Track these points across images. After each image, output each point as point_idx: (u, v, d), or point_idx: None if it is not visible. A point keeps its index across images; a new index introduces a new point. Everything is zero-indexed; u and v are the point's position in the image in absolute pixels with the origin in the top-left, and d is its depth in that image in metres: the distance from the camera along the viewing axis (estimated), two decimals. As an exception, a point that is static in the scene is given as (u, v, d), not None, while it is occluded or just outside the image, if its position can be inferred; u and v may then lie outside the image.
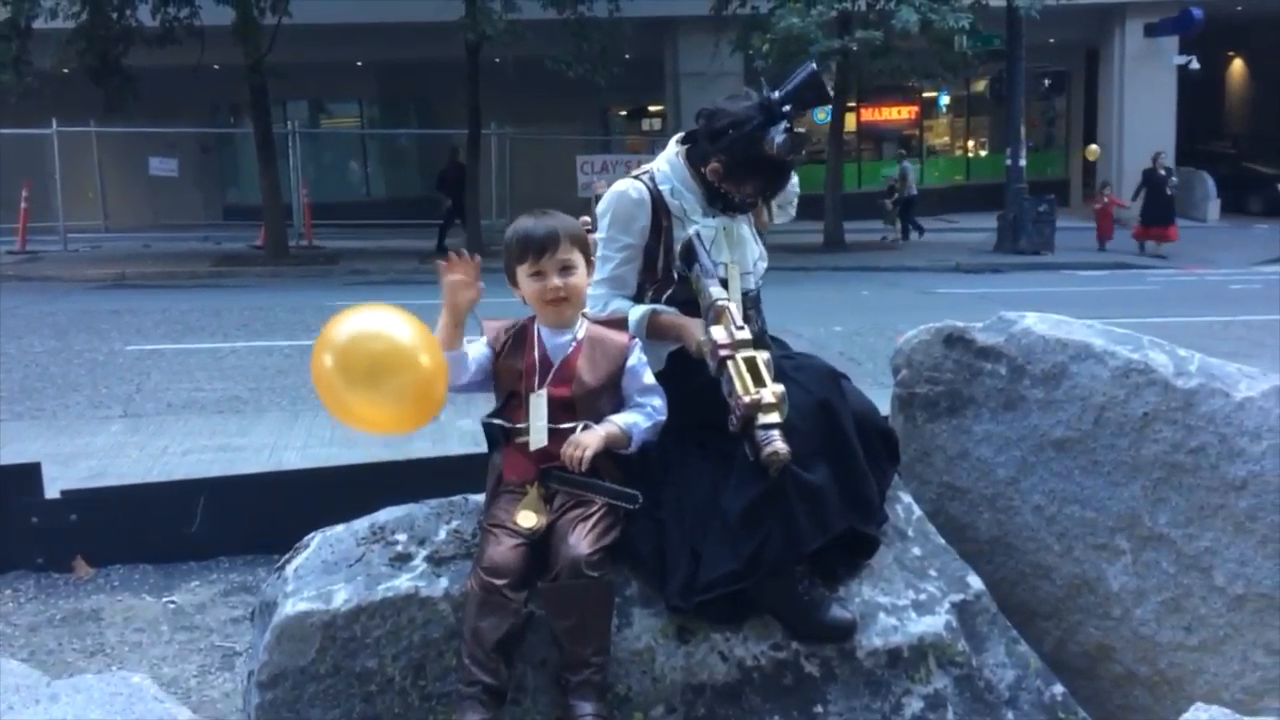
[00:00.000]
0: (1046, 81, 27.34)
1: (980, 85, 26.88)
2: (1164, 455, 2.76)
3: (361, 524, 2.64)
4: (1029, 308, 3.26)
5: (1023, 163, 19.44)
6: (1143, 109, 23.53)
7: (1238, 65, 29.57)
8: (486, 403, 2.63)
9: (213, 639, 3.90)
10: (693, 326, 2.64)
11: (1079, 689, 2.79)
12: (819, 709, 2.49)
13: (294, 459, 6.01)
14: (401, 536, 2.59)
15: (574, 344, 2.56)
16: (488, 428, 2.60)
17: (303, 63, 18.82)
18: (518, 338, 2.58)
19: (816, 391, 2.57)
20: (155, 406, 7.33)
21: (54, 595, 4.23)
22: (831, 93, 2.68)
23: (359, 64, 23.65)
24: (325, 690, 2.40)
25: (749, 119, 2.66)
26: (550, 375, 2.52)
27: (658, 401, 2.60)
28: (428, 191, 20.88)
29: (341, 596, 2.44)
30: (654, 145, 17.33)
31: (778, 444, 2.33)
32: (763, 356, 2.43)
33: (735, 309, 2.53)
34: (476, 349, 2.58)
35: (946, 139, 28.24)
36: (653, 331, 2.73)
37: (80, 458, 6.04)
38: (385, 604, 2.43)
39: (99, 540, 4.43)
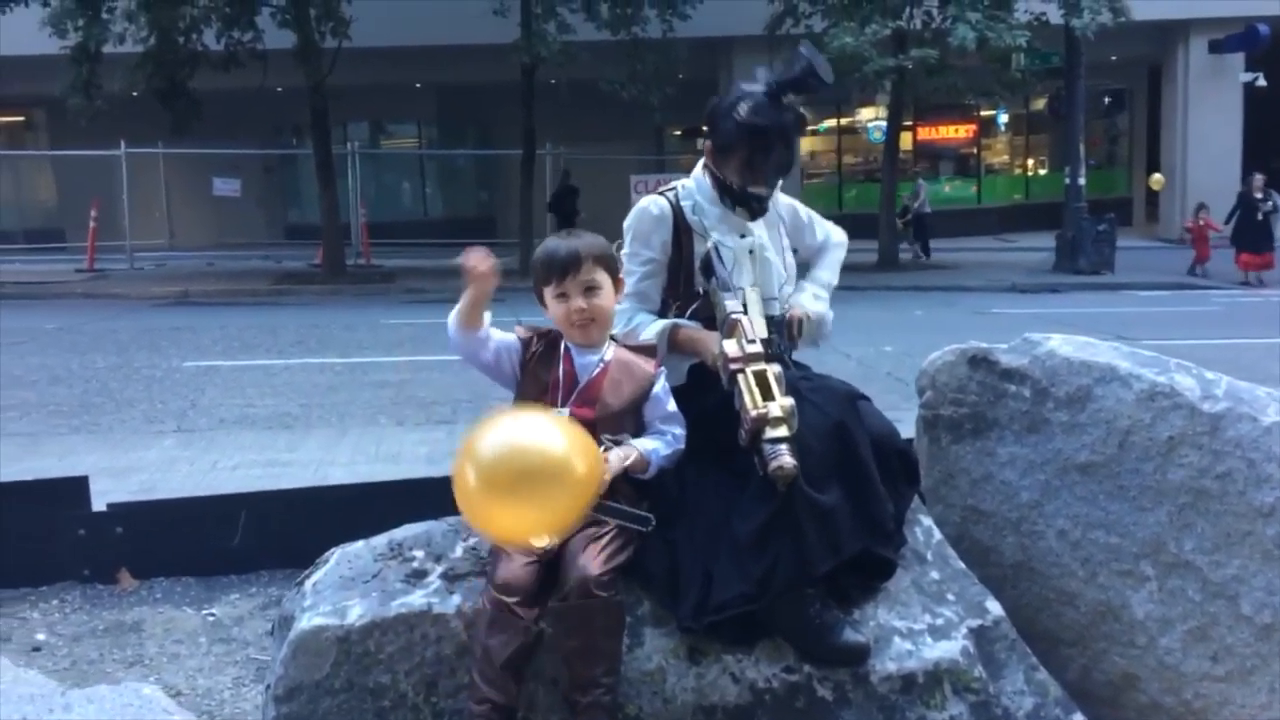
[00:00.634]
0: (1107, 99, 26.98)
1: (1040, 103, 26.60)
2: (1190, 480, 2.70)
3: (380, 540, 2.67)
4: (1085, 329, 3.22)
5: (1082, 181, 19.18)
6: (1208, 127, 23.15)
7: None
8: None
9: (249, 651, 3.95)
10: (710, 340, 2.66)
11: (1103, 719, 2.74)
12: (831, 733, 2.46)
13: (339, 474, 6.08)
14: (419, 553, 2.62)
15: (601, 365, 2.58)
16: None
17: (363, 85, 19.23)
18: (549, 348, 2.61)
19: (833, 413, 2.56)
20: (208, 422, 7.46)
21: (99, 606, 4.32)
22: (830, 79, 2.75)
23: (418, 86, 24.06)
24: (340, 705, 2.43)
25: (730, 98, 2.79)
26: (575, 395, 2.55)
27: (678, 430, 2.61)
28: (483, 210, 21.11)
29: (356, 612, 2.47)
30: (707, 165, 17.30)
31: (784, 459, 2.32)
32: (774, 370, 2.43)
33: (748, 323, 2.54)
34: (503, 335, 2.61)
35: (1005, 157, 27.97)
36: (673, 345, 2.76)
37: (132, 472, 6.16)
38: (399, 620, 2.46)
39: (143, 553, 4.50)
